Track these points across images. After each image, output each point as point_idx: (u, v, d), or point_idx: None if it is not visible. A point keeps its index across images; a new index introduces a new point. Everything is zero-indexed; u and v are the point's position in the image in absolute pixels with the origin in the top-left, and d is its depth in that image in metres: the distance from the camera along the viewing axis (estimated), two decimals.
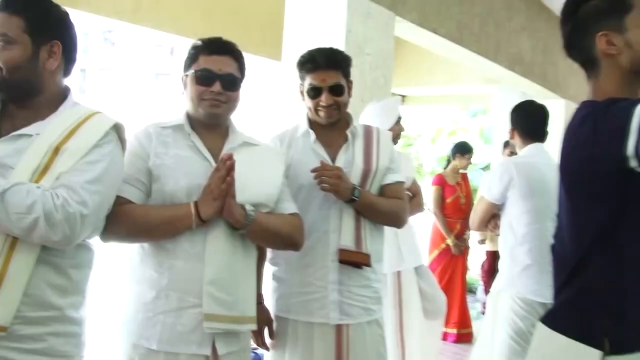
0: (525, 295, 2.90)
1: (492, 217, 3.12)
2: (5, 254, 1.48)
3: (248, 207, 1.84)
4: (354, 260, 2.15)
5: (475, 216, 3.20)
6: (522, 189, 2.94)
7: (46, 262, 1.54)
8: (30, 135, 1.55)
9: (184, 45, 1.98)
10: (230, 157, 1.77)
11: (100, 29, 34.68)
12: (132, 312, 1.84)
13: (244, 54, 2.00)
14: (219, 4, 4.54)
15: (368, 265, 2.18)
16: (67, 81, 1.71)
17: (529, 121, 3.11)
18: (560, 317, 1.52)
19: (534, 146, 3.06)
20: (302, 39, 3.45)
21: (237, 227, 1.83)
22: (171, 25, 4.23)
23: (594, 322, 1.44)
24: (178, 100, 2.00)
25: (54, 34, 1.61)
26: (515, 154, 3.26)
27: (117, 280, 1.97)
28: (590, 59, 1.54)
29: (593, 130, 1.42)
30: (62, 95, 1.68)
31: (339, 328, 2.15)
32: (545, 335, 1.54)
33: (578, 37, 1.55)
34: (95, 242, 1.72)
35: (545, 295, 2.81)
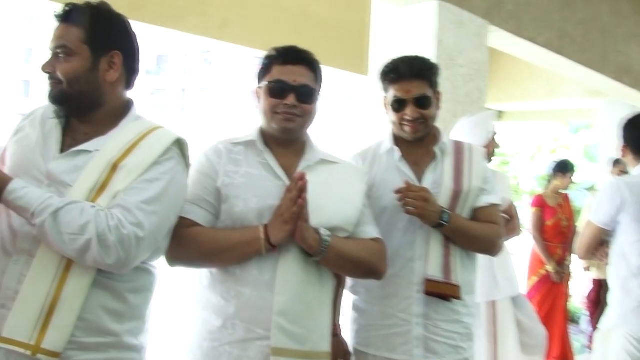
0: None
1: (601, 244, 2.81)
2: (60, 276, 1.43)
3: (323, 232, 1.68)
4: (442, 292, 1.95)
5: (581, 243, 2.89)
6: (636, 212, 2.63)
7: (102, 285, 1.48)
8: (90, 152, 1.50)
9: None
10: (302, 177, 1.63)
11: (198, 49, 36.15)
12: (198, 339, 1.74)
13: (330, 68, 1.86)
14: (305, 18, 4.48)
15: (458, 297, 1.97)
16: (162, 99, 1.64)
17: None
18: None
19: None
20: (389, 51, 3.31)
21: (311, 253, 1.67)
22: (257, 40, 4.19)
23: None
24: None
25: (114, 44, 1.55)
26: (627, 173, 2.93)
27: (183, 305, 1.87)
28: None
29: None
30: (125, 108, 1.62)
31: None
32: None
33: None
34: (160, 264, 1.63)
35: None
